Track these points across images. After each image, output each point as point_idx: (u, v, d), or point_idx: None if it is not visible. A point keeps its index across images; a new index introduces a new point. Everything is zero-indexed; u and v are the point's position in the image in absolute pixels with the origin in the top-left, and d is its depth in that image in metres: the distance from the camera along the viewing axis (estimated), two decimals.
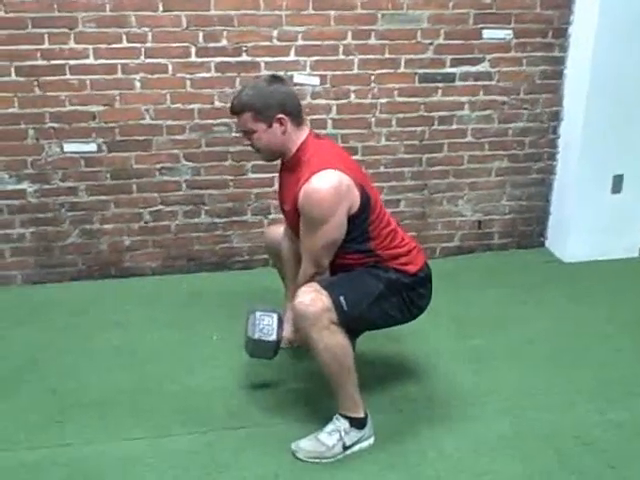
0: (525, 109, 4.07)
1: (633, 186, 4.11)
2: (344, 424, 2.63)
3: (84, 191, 3.76)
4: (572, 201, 4.12)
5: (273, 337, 2.79)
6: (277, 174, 2.78)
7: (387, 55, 3.82)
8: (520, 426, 2.77)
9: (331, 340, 2.50)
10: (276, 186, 2.88)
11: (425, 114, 3.96)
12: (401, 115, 3.93)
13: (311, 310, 2.46)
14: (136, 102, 3.66)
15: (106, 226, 3.84)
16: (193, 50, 3.63)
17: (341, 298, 2.52)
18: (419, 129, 3.98)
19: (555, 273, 4.05)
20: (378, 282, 2.62)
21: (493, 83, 3.98)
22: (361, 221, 2.57)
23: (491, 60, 3.94)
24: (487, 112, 4.03)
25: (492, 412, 2.86)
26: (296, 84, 3.76)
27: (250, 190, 3.91)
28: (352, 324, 2.58)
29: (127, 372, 3.08)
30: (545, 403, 2.92)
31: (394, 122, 3.94)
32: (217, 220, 3.93)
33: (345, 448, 2.62)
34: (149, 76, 3.63)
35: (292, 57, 3.73)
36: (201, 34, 3.61)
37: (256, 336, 2.78)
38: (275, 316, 2.82)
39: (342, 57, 3.78)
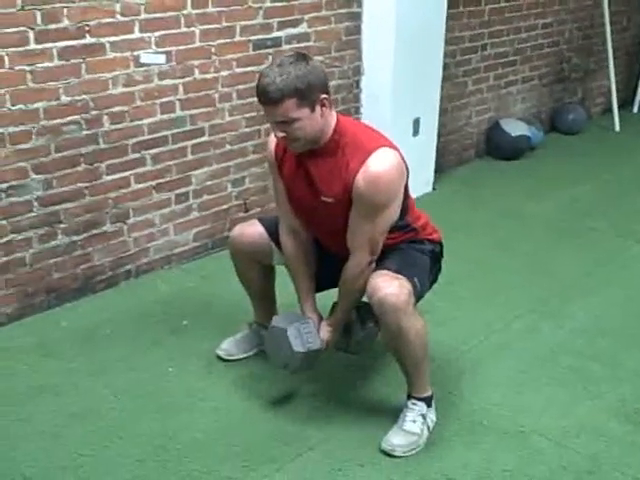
0: (336, 67, 4.12)
1: (427, 127, 4.49)
2: (422, 407, 2.54)
3: None
4: None
5: (319, 344, 2.52)
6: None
7: (224, 23, 3.52)
8: (526, 362, 2.97)
9: (418, 324, 2.39)
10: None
11: None
12: (240, 87, 3.68)
13: (402, 299, 2.31)
14: None
15: None
16: (31, 35, 2.90)
17: (415, 279, 2.41)
18: (256, 99, 3.76)
19: None
20: (424, 256, 2.56)
21: (311, 44, 3.94)
22: (404, 196, 2.44)
23: (308, 20, 3.89)
24: None
25: (489, 351, 3.02)
26: (143, 65, 3.27)
27: (107, 195, 3.31)
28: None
29: (126, 445, 2.44)
30: (519, 335, 3.16)
31: (235, 95, 3.68)
32: (75, 238, 3.25)
33: (428, 429, 2.54)
34: None
35: (137, 34, 3.21)
36: (39, 14, 2.90)
37: (305, 348, 2.47)
38: (311, 322, 2.54)
39: (184, 29, 3.37)
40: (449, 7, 4.52)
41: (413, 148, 4.38)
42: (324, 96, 2.26)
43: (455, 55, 4.84)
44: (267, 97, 2.21)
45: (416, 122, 4.40)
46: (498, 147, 5.24)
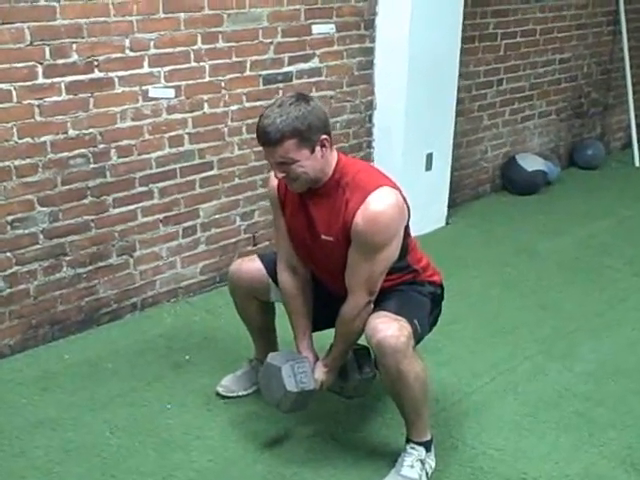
0: (348, 101, 4.12)
1: (440, 162, 4.46)
2: (421, 452, 2.48)
3: None
4: None
5: (312, 384, 2.48)
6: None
7: (234, 58, 3.53)
8: (532, 405, 2.90)
9: (417, 367, 2.34)
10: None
11: None
12: (250, 121, 3.68)
13: (402, 341, 2.27)
14: None
15: None
16: (40, 70, 2.93)
17: (415, 321, 2.37)
18: None
19: None
20: (424, 298, 2.52)
21: (322, 79, 3.94)
22: (404, 236, 2.41)
23: (320, 55, 3.89)
24: None
25: (494, 393, 2.96)
26: (152, 99, 3.28)
27: (113, 228, 3.31)
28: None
29: None
30: (526, 377, 3.08)
31: (244, 129, 3.68)
32: (80, 270, 3.25)
33: (427, 475, 2.48)
34: None
35: (146, 69, 3.23)
36: (48, 49, 2.93)
37: (298, 388, 2.43)
38: (307, 361, 2.50)
39: (194, 64, 3.39)
40: (464, 42, 4.51)
41: (425, 183, 4.39)
42: (324, 137, 2.25)
43: (470, 90, 4.82)
44: (267, 138, 2.20)
45: (429, 157, 4.37)
46: (514, 182, 5.20)
